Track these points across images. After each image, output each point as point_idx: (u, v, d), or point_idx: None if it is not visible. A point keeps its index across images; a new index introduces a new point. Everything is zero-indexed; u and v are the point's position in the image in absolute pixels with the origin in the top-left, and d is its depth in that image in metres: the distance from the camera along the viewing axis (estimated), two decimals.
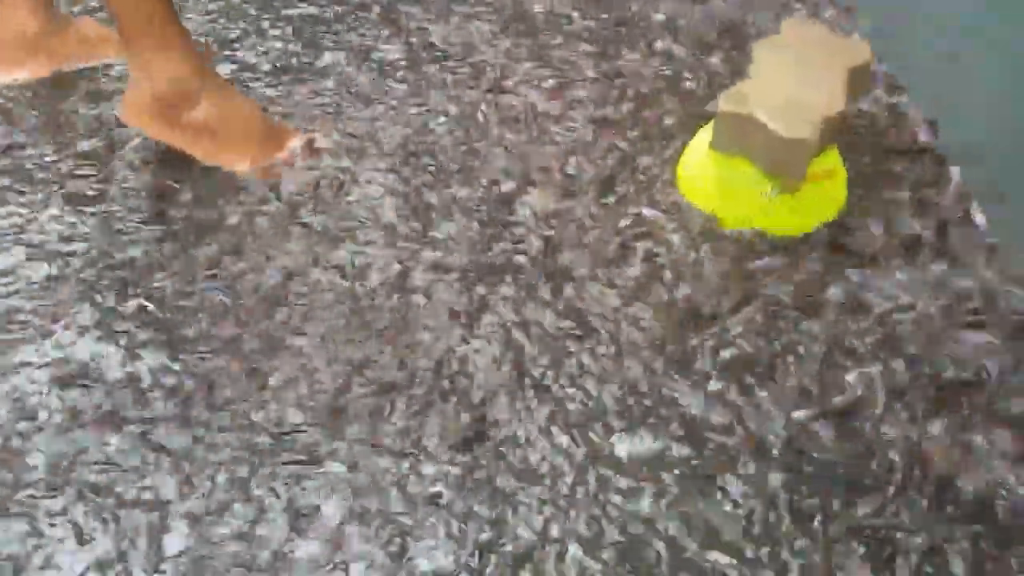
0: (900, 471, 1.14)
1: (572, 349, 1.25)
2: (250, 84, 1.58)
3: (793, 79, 1.38)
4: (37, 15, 1.51)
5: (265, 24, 1.69)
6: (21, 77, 1.55)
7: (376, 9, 1.73)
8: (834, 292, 1.33)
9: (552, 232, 1.39)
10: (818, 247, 1.38)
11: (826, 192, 1.41)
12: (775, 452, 1.16)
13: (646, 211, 1.42)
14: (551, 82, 1.61)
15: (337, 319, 1.27)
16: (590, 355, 1.25)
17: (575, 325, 1.28)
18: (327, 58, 1.63)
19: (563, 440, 1.16)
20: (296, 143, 1.48)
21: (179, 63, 1.35)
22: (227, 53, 1.63)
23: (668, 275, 1.34)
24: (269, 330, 1.26)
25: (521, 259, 1.35)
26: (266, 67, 1.61)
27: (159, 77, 1.35)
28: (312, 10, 1.73)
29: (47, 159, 1.45)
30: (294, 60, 1.63)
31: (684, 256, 1.36)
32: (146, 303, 1.27)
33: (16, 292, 1.28)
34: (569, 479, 1.13)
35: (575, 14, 1.74)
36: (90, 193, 1.41)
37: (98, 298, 1.28)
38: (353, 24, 1.70)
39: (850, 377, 1.23)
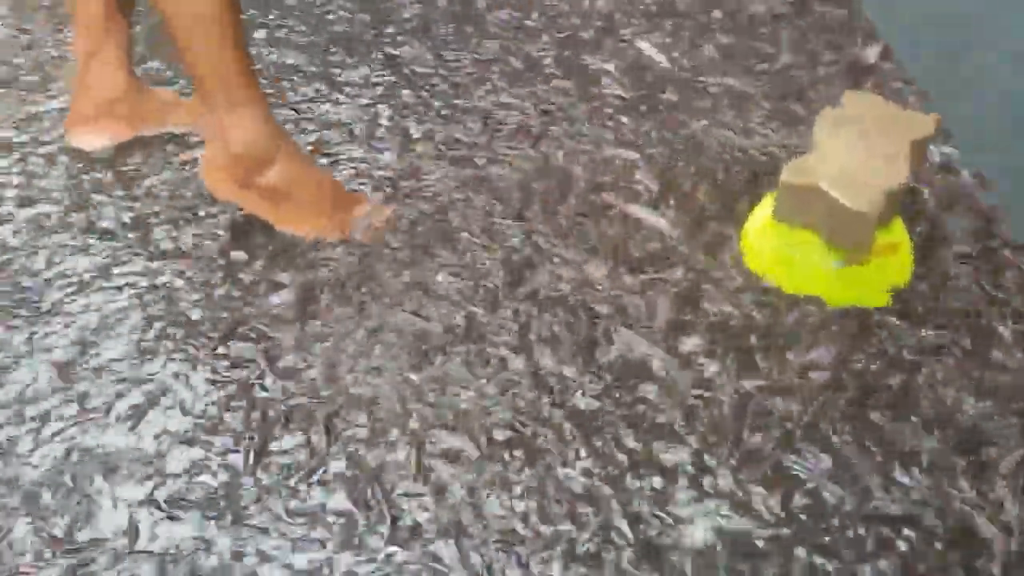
0: None
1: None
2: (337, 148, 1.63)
3: (856, 151, 1.39)
4: (120, 83, 1.56)
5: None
6: (105, 142, 1.60)
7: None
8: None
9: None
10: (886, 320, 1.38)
11: (892, 264, 1.41)
12: None
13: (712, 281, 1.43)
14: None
15: None
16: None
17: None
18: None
19: None
20: (366, 209, 1.51)
21: (254, 127, 1.38)
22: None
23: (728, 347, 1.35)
24: None
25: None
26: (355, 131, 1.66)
27: (235, 140, 1.38)
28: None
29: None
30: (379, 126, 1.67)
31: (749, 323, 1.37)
32: None
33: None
34: None
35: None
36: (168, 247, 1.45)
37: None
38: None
39: None
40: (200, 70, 1.34)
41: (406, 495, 1.17)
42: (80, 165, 1.58)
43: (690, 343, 1.34)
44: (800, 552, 1.12)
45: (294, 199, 1.46)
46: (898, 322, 1.37)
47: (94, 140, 1.60)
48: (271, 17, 1.92)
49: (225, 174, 1.43)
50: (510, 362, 1.32)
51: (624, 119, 1.70)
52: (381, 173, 1.59)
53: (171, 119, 1.63)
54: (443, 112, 1.71)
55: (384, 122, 1.69)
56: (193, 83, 1.37)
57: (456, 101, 1.73)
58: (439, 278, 1.43)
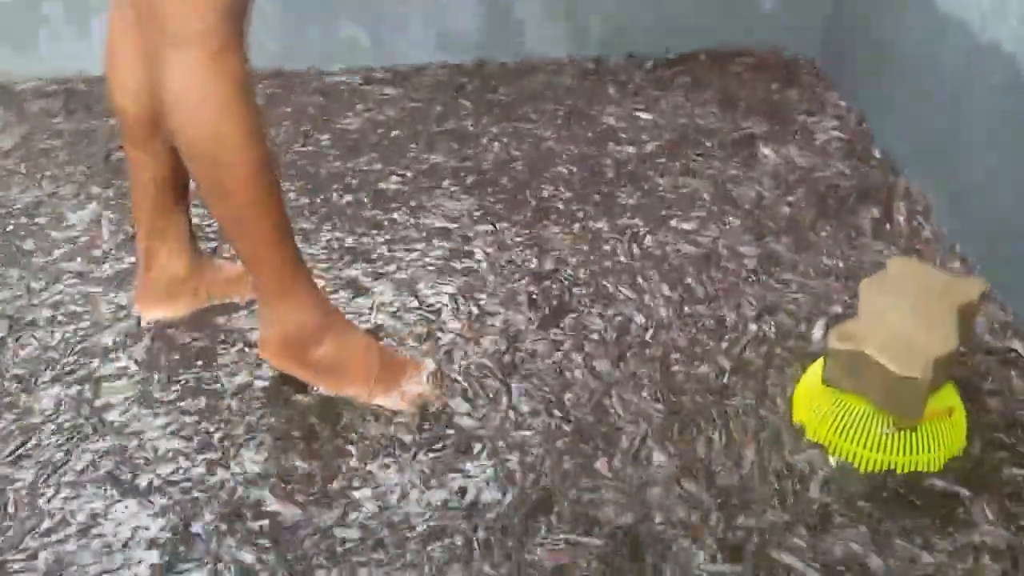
0: None
1: None
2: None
3: (903, 317, 1.40)
4: (184, 262, 1.64)
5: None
6: (165, 316, 1.67)
7: None
8: None
9: None
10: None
11: (946, 429, 1.39)
12: None
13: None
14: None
15: None
16: None
17: None
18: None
19: None
20: (415, 375, 1.54)
21: (304, 311, 1.46)
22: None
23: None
24: None
25: None
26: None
27: (287, 321, 1.46)
28: None
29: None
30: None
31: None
32: None
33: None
34: None
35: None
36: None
37: None
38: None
39: None
40: (248, 264, 1.43)
41: None
42: None
43: None
44: None
45: (342, 370, 1.51)
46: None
47: (162, 314, 1.67)
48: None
49: (280, 351, 1.49)
50: None
51: None
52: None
53: (235, 292, 1.70)
54: None
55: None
56: (248, 273, 1.45)
57: None
58: None
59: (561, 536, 1.30)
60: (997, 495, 1.35)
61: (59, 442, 1.44)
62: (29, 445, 1.44)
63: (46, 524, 1.32)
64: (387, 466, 1.40)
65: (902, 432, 1.37)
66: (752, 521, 1.32)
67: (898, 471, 1.38)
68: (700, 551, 1.28)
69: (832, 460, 1.40)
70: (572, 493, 1.36)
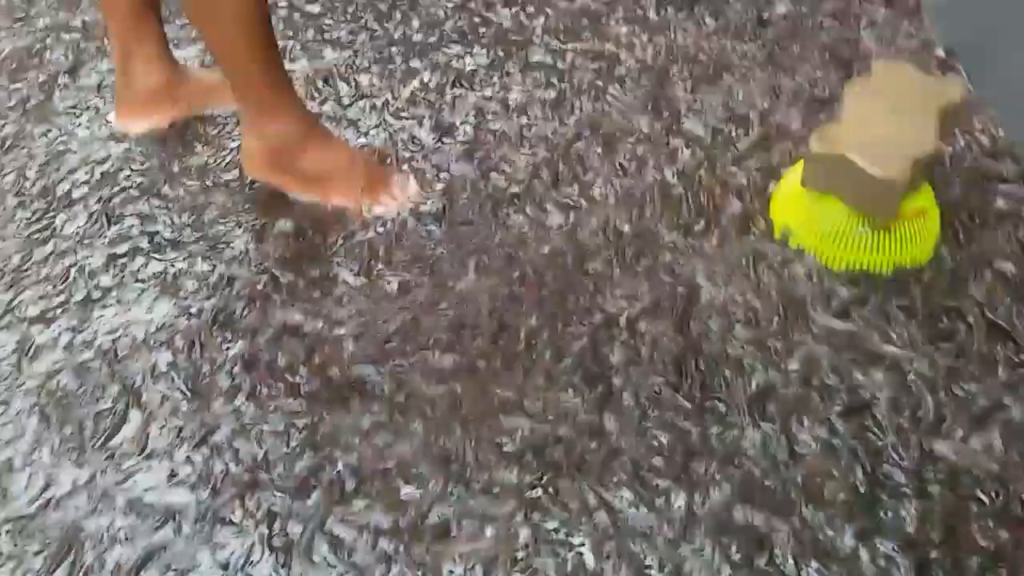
0: None
1: None
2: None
3: (884, 120, 1.40)
4: (163, 70, 1.63)
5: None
6: (149, 126, 1.66)
7: None
8: None
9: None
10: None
11: (919, 230, 1.42)
12: None
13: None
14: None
15: None
16: None
17: None
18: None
19: None
20: (398, 181, 1.55)
21: (289, 125, 1.46)
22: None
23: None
24: None
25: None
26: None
27: (272, 135, 1.47)
28: None
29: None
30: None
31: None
32: None
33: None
34: None
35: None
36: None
37: None
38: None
39: None
40: (233, 78, 1.41)
41: None
42: None
43: None
44: None
45: (328, 179, 1.52)
46: None
47: (141, 126, 1.66)
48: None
49: (262, 161, 1.50)
50: None
51: None
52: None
53: (214, 102, 1.69)
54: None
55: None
56: (230, 87, 1.44)
57: None
58: None
59: None
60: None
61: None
62: None
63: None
64: None
65: (876, 232, 1.40)
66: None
67: (872, 270, 1.42)
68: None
69: (808, 257, 1.44)
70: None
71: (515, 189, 1.55)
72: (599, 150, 1.61)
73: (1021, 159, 1.57)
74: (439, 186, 1.56)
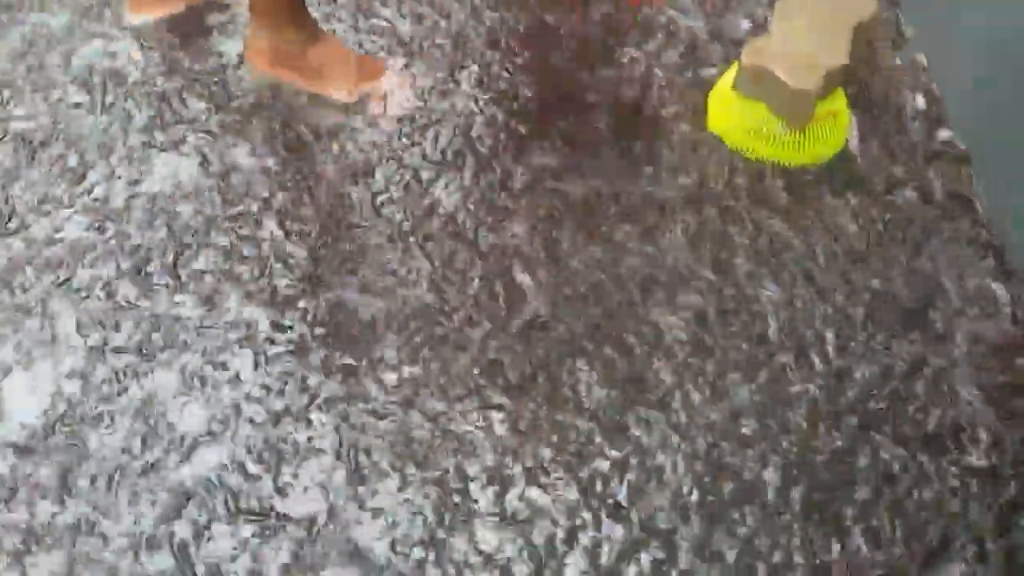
0: None
1: None
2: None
3: (805, 33, 1.64)
4: None
5: None
6: (159, 14, 1.85)
7: None
8: None
9: None
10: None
11: (830, 130, 1.68)
12: None
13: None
14: None
15: None
16: None
17: None
18: None
19: None
20: (388, 74, 1.78)
21: (294, 33, 1.69)
22: None
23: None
24: None
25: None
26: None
27: (277, 39, 1.69)
28: None
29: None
30: None
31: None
32: None
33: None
34: None
35: None
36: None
37: None
38: None
39: None
40: None
41: None
42: None
43: None
44: None
45: (324, 74, 1.74)
46: None
47: (149, 16, 1.85)
48: None
49: (263, 56, 1.72)
50: None
51: None
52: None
53: None
54: None
55: None
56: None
57: None
58: None
59: None
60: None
61: None
62: None
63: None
64: None
65: (793, 132, 1.66)
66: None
67: (787, 163, 1.68)
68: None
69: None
70: None
71: None
72: None
73: None
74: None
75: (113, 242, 1.57)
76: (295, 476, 1.36)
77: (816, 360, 1.47)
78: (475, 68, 1.80)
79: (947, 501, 1.36)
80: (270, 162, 1.66)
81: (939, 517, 1.35)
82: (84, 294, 1.52)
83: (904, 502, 1.36)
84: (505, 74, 1.79)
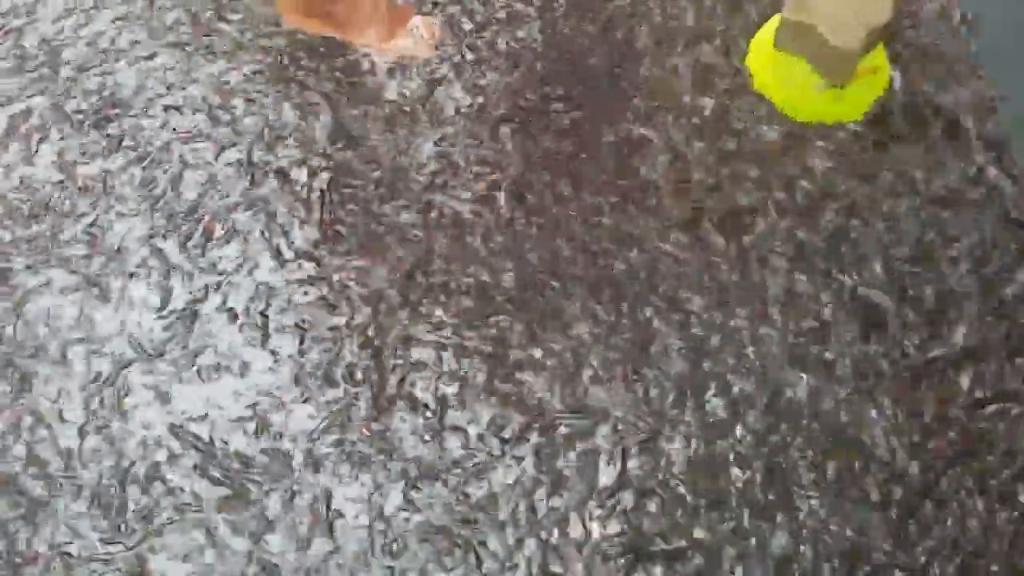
0: None
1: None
2: None
3: None
4: None
5: None
6: None
7: None
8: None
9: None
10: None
11: (870, 85, 1.67)
12: None
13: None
14: None
15: None
16: None
17: None
18: None
19: None
20: (415, 20, 1.77)
21: None
22: None
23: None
24: None
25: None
26: None
27: None
28: None
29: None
30: None
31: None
32: None
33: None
34: None
35: None
36: None
37: None
38: None
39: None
40: None
41: None
42: None
43: None
44: None
45: (353, 22, 1.74)
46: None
47: None
48: None
49: (305, 9, 1.73)
50: None
51: None
52: None
53: None
54: None
55: None
56: None
57: None
58: None
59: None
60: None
61: None
62: None
63: None
64: None
65: (832, 88, 1.65)
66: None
67: (827, 120, 1.68)
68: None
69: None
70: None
71: None
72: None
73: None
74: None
75: None
76: None
77: None
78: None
79: None
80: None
81: None
82: None
83: None
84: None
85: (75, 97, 1.71)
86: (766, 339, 1.49)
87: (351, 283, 1.54)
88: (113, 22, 1.79)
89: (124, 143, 1.67)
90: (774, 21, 1.71)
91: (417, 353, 1.48)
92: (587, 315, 1.51)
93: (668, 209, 1.60)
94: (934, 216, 1.59)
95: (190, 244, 1.58)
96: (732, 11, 1.79)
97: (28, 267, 1.56)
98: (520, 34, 1.77)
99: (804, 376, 1.46)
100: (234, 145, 1.66)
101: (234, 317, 1.51)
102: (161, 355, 1.49)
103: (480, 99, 1.70)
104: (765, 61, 1.70)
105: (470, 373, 1.47)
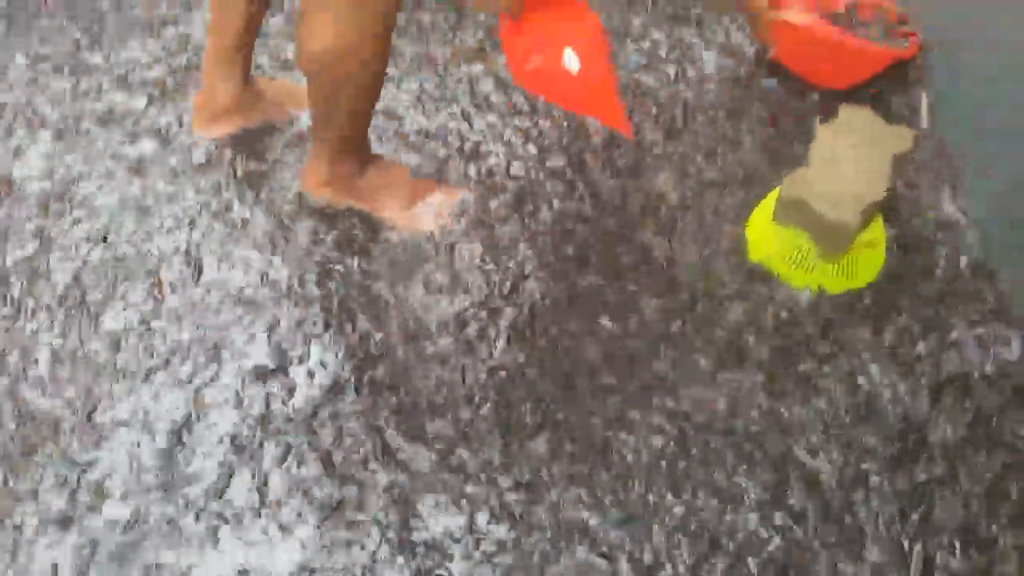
0: None
1: None
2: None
3: (844, 166, 1.68)
4: (236, 86, 1.89)
5: None
6: (219, 134, 1.94)
7: None
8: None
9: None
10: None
11: (868, 259, 1.71)
12: None
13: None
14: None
15: None
16: None
17: None
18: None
19: None
20: (436, 195, 1.84)
21: (355, 160, 1.77)
22: None
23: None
24: None
25: None
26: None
27: (341, 166, 1.77)
28: None
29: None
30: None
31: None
32: None
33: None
34: None
35: None
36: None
37: None
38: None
39: None
40: (324, 126, 1.68)
41: None
42: None
43: None
44: None
45: (380, 194, 1.81)
46: None
47: (215, 133, 1.94)
48: None
49: (323, 183, 1.80)
50: None
51: None
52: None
53: (281, 113, 1.96)
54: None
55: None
56: (316, 127, 1.71)
57: None
58: None
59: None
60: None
61: None
62: None
63: None
64: None
65: (831, 261, 1.70)
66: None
67: (827, 291, 1.72)
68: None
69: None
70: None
71: None
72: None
73: None
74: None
75: None
76: None
77: None
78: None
79: None
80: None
81: None
82: None
83: None
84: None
85: None
86: None
87: None
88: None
89: None
90: (773, 195, 1.77)
91: None
92: None
93: None
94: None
95: None
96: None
97: None
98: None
99: None
100: None
101: None
102: None
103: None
104: (765, 234, 1.75)
105: None
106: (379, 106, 1.79)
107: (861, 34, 2.02)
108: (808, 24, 1.99)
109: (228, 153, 1.92)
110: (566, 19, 1.59)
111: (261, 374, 1.62)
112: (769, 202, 1.77)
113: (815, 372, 1.62)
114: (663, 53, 2.12)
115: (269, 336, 1.67)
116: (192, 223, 1.82)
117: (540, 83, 1.71)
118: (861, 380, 1.61)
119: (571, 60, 1.57)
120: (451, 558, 1.43)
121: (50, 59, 2.10)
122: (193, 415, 1.57)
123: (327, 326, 1.68)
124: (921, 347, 1.65)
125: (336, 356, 1.64)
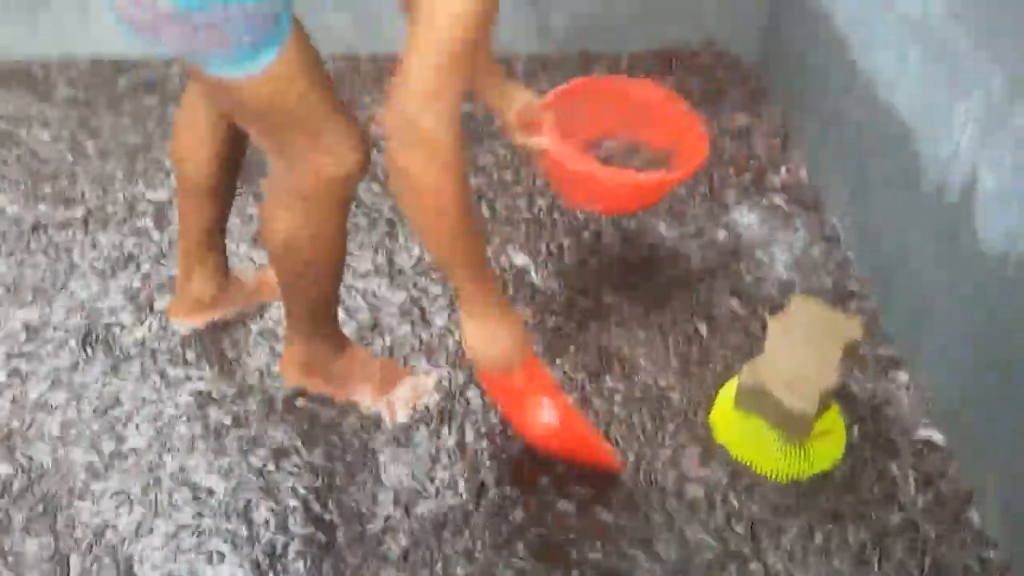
0: None
1: None
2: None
3: (798, 355, 1.76)
4: (218, 283, 1.96)
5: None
6: (194, 326, 1.99)
7: None
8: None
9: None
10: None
11: (826, 445, 1.78)
12: None
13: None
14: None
15: None
16: None
17: None
18: None
19: None
20: (408, 381, 1.89)
21: (324, 345, 1.82)
22: None
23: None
24: None
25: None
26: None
27: (315, 355, 1.82)
28: None
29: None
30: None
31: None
32: None
33: None
34: None
35: None
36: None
37: None
38: None
39: None
40: (298, 319, 1.76)
41: None
42: None
43: None
44: None
45: (350, 384, 1.86)
46: None
47: (190, 324, 1.99)
48: None
49: (301, 370, 1.85)
50: None
51: None
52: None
53: (253, 305, 2.02)
54: None
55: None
56: (287, 311, 1.77)
57: None
58: None
59: None
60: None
61: None
62: None
63: None
64: None
65: (793, 447, 1.76)
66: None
67: (790, 476, 1.77)
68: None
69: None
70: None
71: None
72: None
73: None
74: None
75: None
76: None
77: None
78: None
79: None
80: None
81: None
82: None
83: None
84: None
85: None
86: None
87: None
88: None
89: None
90: (734, 382, 1.84)
91: None
92: None
93: None
94: None
95: None
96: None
97: None
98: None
99: None
100: None
101: None
102: None
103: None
104: (728, 419, 1.81)
105: None
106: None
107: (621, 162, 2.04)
108: (557, 152, 1.89)
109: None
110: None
111: None
112: (731, 387, 1.84)
113: None
114: None
115: None
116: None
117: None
118: None
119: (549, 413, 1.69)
120: None
121: None
122: None
123: None
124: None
125: None
